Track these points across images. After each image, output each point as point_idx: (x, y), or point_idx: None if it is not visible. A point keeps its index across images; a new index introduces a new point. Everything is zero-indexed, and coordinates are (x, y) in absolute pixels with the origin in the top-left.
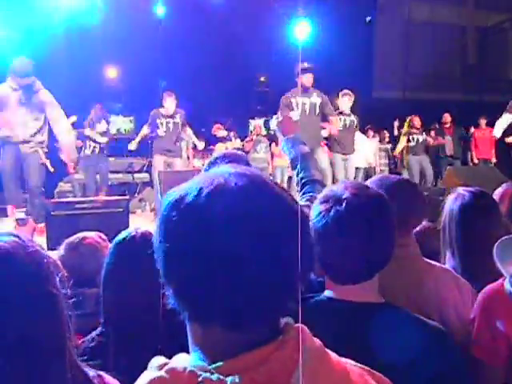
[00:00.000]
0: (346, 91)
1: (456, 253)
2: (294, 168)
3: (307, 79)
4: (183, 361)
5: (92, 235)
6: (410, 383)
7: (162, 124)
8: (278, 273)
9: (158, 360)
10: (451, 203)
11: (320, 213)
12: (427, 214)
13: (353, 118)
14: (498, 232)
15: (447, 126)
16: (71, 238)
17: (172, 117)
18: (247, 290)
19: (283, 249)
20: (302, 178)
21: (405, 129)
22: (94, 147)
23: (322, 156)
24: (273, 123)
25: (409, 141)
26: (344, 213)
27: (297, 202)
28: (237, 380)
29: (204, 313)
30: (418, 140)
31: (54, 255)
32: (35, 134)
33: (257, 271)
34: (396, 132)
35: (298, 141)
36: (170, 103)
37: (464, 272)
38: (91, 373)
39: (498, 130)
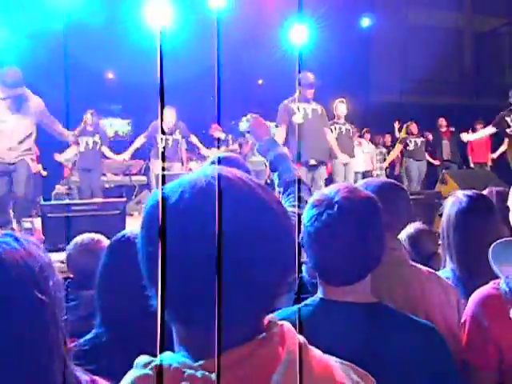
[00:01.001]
0: (341, 98)
1: (454, 256)
2: (273, 170)
3: (310, 93)
4: (168, 358)
5: (102, 238)
6: (404, 379)
7: (161, 140)
8: (259, 275)
9: (144, 358)
10: (449, 207)
11: (312, 216)
12: (412, 217)
13: (348, 126)
14: (496, 234)
15: (443, 129)
16: (84, 240)
17: (171, 133)
18: (229, 293)
19: (265, 250)
20: (284, 180)
21: (402, 135)
22: (87, 141)
23: (323, 175)
24: (242, 126)
25: (406, 145)
26: (336, 216)
27: (282, 205)
28: (220, 376)
29: (186, 316)
30: (416, 143)
31: (61, 256)
32: (23, 140)
33: (238, 273)
34: (397, 134)
35: (273, 143)
36: (169, 117)
37: (462, 275)
38: (85, 377)
39: (471, 136)
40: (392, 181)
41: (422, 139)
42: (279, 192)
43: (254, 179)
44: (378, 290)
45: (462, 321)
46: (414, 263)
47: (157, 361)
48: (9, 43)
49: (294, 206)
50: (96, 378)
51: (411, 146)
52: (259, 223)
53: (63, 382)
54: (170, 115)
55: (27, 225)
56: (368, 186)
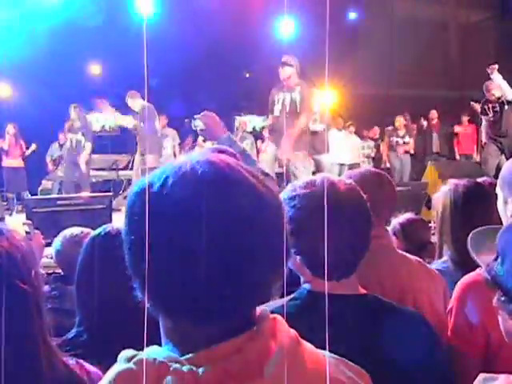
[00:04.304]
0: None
1: (455, 242)
2: None
3: (283, 72)
4: (154, 352)
5: (90, 231)
6: (394, 369)
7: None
8: (246, 264)
9: (128, 352)
10: (449, 193)
11: (294, 208)
12: (397, 205)
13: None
14: (491, 222)
15: (434, 122)
16: (72, 233)
17: (140, 116)
18: (214, 283)
19: (252, 239)
20: None
21: (390, 129)
22: (71, 139)
23: (299, 164)
24: (196, 124)
25: (390, 140)
26: (320, 208)
27: (274, 194)
28: (208, 370)
29: (172, 307)
30: (397, 142)
31: (47, 251)
32: None
33: (223, 263)
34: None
35: (231, 140)
36: (132, 102)
37: (457, 262)
38: (71, 361)
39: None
40: (375, 169)
41: (404, 139)
42: None
43: (245, 166)
44: (367, 277)
45: (450, 306)
46: (401, 252)
47: (141, 354)
48: None
49: None
50: (81, 361)
51: (393, 142)
52: (247, 210)
53: (50, 366)
54: (132, 101)
55: (26, 228)
56: (351, 175)
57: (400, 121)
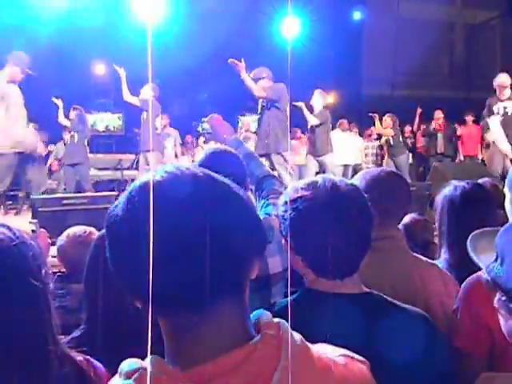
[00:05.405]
0: (318, 89)
1: (454, 243)
2: None
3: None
4: (155, 365)
5: (94, 230)
6: (397, 368)
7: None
8: (215, 254)
9: (128, 365)
10: (448, 195)
11: (297, 209)
12: (411, 205)
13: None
14: (491, 223)
15: (439, 122)
16: (75, 232)
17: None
18: (194, 273)
19: (224, 225)
20: (257, 176)
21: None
22: (72, 136)
23: (283, 161)
24: (203, 126)
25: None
26: (323, 208)
27: (243, 195)
28: None
29: (158, 303)
30: (388, 141)
31: (52, 251)
32: None
33: (196, 249)
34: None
35: (239, 142)
36: (147, 90)
37: (456, 263)
38: (79, 357)
39: (501, 140)
40: (391, 169)
41: (400, 135)
42: (251, 190)
43: (222, 179)
44: (379, 278)
45: (455, 307)
46: (414, 254)
47: (141, 370)
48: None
49: (272, 198)
50: (88, 357)
51: (391, 142)
52: (209, 208)
53: (59, 361)
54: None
55: (32, 227)
56: (367, 174)
57: (387, 121)
